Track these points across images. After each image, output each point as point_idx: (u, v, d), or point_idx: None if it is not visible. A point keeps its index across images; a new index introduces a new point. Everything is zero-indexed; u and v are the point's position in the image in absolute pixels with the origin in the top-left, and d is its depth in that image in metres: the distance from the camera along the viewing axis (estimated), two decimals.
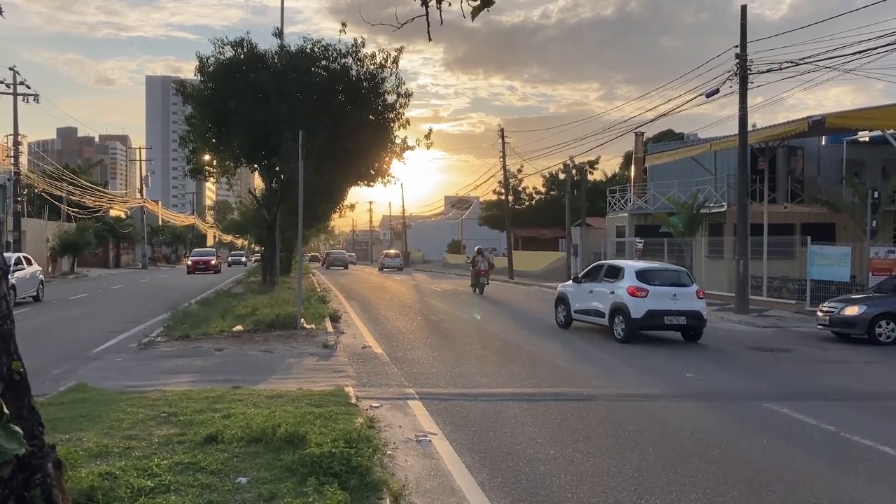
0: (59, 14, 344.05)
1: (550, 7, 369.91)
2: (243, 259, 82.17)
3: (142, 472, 5.48)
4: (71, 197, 54.33)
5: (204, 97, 24.11)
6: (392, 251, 67.35)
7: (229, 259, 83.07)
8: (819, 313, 17.22)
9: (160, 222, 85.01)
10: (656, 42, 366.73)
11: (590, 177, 56.34)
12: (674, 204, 30.58)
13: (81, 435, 6.69)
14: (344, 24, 22.92)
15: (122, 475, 5.33)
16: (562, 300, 18.69)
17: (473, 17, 3.49)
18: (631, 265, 17.27)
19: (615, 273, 16.86)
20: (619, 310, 15.92)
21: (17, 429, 2.78)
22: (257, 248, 60.34)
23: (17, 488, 2.86)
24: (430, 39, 3.51)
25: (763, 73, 21.53)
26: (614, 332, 16.06)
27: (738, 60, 21.80)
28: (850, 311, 16.24)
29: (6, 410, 2.75)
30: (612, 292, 16.27)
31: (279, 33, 24.91)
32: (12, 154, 42.97)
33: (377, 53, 23.75)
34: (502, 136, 47.35)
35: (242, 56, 23.77)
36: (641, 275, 16.17)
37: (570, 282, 19.31)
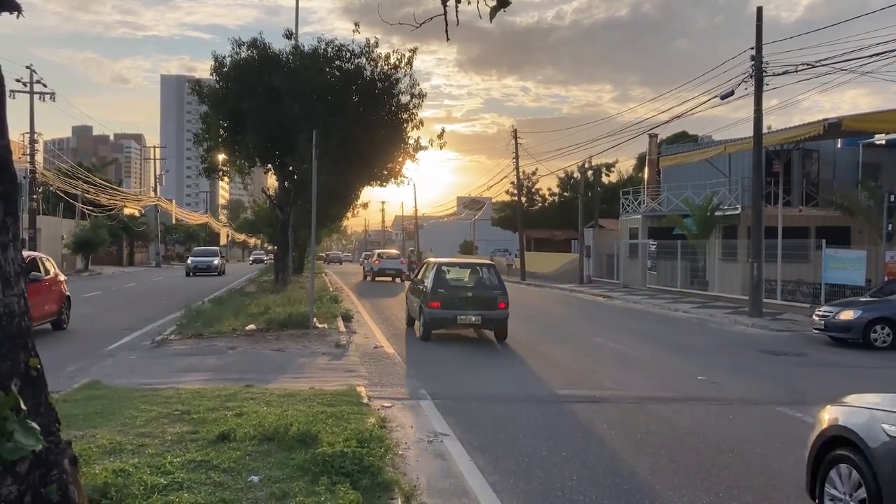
0: (76, 13, 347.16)
1: (564, 8, 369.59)
2: (216, 262, 49.51)
3: (155, 470, 5.52)
4: (86, 195, 54.68)
5: (219, 97, 24.20)
6: (368, 253, 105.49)
7: (190, 262, 50.27)
8: (815, 317, 17.10)
9: (174, 221, 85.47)
10: (670, 44, 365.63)
11: (605, 179, 56.10)
12: (688, 206, 30.39)
13: (95, 432, 6.74)
14: (357, 24, 22.91)
15: (135, 472, 5.37)
16: (363, 267, 46.81)
17: (491, 18, 3.48)
18: (378, 252, 47.27)
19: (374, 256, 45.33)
20: (371, 268, 43.03)
21: (35, 425, 2.79)
22: (270, 248, 57.04)
23: (34, 484, 2.88)
24: (448, 39, 3.51)
25: (779, 75, 21.32)
26: (367, 278, 43.25)
27: (753, 62, 21.63)
28: (844, 315, 16.13)
29: (24, 406, 2.77)
30: (372, 261, 43.93)
31: (292, 34, 24.89)
32: (28, 152, 43.38)
33: (391, 54, 23.77)
34: (515, 137, 47.25)
35: (256, 56, 23.83)
36: (379, 255, 44.66)
37: (366, 259, 47.40)
